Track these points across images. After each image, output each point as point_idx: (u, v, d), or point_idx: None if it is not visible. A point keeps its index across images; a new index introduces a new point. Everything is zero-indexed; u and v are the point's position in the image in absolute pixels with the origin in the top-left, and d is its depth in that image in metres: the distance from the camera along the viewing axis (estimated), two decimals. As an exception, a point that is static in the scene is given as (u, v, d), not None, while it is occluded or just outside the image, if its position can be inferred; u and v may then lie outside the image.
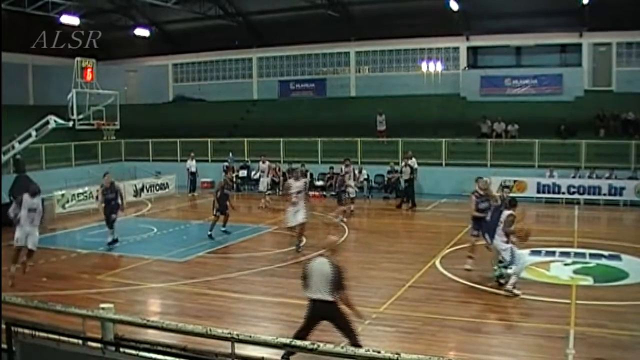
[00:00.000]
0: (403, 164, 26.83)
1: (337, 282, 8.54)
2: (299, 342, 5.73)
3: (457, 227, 20.52)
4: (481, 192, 14.80)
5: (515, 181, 26.09)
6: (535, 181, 26.13)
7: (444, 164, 29.57)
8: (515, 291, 12.62)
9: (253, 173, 30.97)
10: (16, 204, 14.29)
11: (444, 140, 29.64)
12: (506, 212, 12.93)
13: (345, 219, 22.21)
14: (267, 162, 27.98)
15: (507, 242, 12.84)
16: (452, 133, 30.24)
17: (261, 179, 27.61)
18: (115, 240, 17.99)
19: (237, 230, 18.94)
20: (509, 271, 13.06)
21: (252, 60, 40.35)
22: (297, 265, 15.98)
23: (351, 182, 23.84)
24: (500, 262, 13.39)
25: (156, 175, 30.17)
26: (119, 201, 18.21)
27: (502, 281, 13.31)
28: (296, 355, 7.07)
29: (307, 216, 17.63)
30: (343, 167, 24.22)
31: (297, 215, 17.34)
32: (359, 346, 8.00)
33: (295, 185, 17.62)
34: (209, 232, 19.12)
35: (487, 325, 11.48)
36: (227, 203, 19.35)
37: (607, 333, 10.52)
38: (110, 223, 17.97)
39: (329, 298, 8.51)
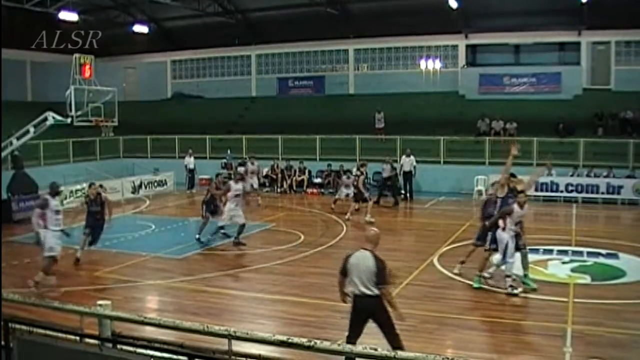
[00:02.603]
0: (385, 162, 26.86)
1: (382, 276, 8.38)
2: (296, 340, 5.73)
3: (455, 225, 20.54)
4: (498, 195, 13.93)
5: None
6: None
7: (442, 161, 29.54)
8: (514, 291, 12.56)
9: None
10: (38, 208, 13.10)
11: (442, 138, 29.62)
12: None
13: (350, 217, 22.08)
14: (256, 164, 27.81)
15: (503, 230, 12.68)
16: (450, 131, 30.24)
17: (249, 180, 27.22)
18: (77, 260, 15.64)
19: (234, 227, 18.83)
20: (502, 267, 13.01)
21: (250, 58, 40.31)
22: (294, 262, 16.04)
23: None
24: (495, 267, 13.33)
25: (154, 172, 30.14)
26: (105, 215, 16.26)
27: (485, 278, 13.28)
28: (294, 353, 7.07)
29: (244, 218, 17.77)
30: (357, 170, 23.94)
31: (234, 217, 17.61)
32: (401, 348, 7.89)
33: (235, 187, 17.68)
34: (197, 236, 18.18)
35: (484, 323, 11.47)
36: (217, 204, 18.70)
37: (604, 331, 10.52)
38: (88, 235, 16.11)
39: (374, 292, 8.34)
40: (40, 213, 12.99)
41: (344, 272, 8.60)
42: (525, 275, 13.16)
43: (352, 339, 8.31)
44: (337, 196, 24.42)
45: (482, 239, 13.89)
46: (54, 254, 13.02)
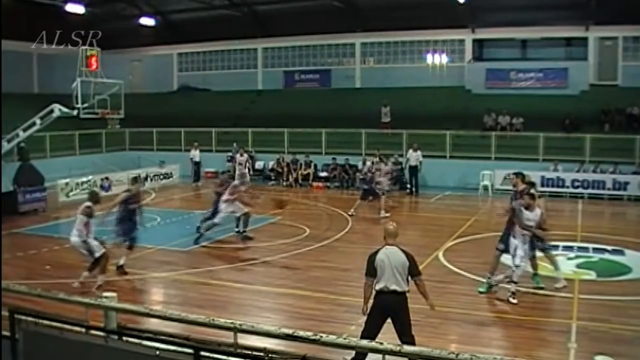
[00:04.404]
0: (374, 155, 26.75)
1: (415, 267, 8.51)
2: (301, 333, 5.73)
3: (460, 220, 20.56)
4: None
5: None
6: (539, 175, 26.00)
7: (448, 156, 29.52)
8: (512, 300, 12.04)
9: (257, 164, 31.17)
10: (85, 216, 12.72)
11: (448, 132, 29.58)
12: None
13: (387, 214, 21.57)
14: (246, 155, 27.53)
15: (514, 237, 12.28)
16: (456, 125, 30.18)
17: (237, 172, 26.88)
18: (122, 268, 14.21)
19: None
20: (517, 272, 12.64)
21: (257, 51, 40.29)
22: (299, 256, 16.05)
23: (381, 178, 22.66)
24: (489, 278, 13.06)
25: (160, 164, 30.19)
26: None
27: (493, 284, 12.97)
28: (298, 346, 7.07)
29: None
30: (373, 162, 23.45)
31: (232, 212, 17.63)
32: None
33: (241, 188, 17.87)
34: (198, 224, 18.07)
35: (489, 318, 11.48)
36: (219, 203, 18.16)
37: (609, 328, 10.50)
38: (126, 237, 14.52)
39: (404, 288, 8.36)
40: (85, 221, 12.79)
41: (372, 272, 8.46)
42: (535, 274, 12.98)
43: (369, 332, 8.19)
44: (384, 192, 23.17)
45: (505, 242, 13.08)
46: (104, 250, 12.96)
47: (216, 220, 17.43)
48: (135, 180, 15.90)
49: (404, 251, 8.54)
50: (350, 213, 21.75)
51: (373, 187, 21.90)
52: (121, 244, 14.49)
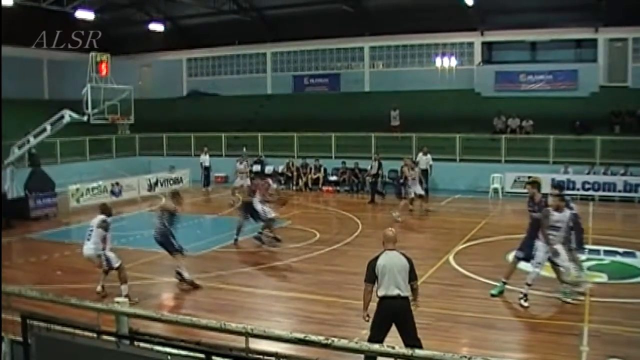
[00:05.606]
0: (373, 159, 26.83)
1: (414, 272, 8.53)
2: (313, 337, 5.72)
3: (471, 223, 20.50)
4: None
5: (529, 177, 25.95)
6: (549, 177, 25.92)
7: (458, 159, 29.44)
8: (524, 303, 11.91)
9: (267, 168, 31.19)
10: (103, 230, 12.67)
11: (458, 135, 29.51)
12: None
13: (399, 218, 21.42)
14: (245, 163, 27.34)
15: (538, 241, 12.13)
16: (466, 128, 30.10)
17: (236, 180, 26.75)
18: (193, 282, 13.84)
19: (250, 224, 18.82)
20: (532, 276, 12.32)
21: (266, 55, 40.35)
22: (310, 260, 16.05)
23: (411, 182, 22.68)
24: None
25: (170, 169, 30.26)
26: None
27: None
28: (309, 350, 7.05)
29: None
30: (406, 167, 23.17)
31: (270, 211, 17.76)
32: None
33: (273, 187, 18.39)
34: (259, 233, 18.04)
35: (500, 321, 11.43)
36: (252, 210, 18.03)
37: (621, 330, 10.46)
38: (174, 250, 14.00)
39: (407, 293, 8.35)
40: (103, 235, 12.77)
41: (372, 278, 8.46)
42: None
43: (375, 339, 8.14)
44: (411, 195, 22.99)
45: (526, 249, 12.83)
46: (119, 262, 12.93)
47: (269, 215, 17.51)
48: (177, 194, 15.02)
49: (404, 255, 8.55)
50: (396, 219, 21.32)
51: (400, 188, 21.96)
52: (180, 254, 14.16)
